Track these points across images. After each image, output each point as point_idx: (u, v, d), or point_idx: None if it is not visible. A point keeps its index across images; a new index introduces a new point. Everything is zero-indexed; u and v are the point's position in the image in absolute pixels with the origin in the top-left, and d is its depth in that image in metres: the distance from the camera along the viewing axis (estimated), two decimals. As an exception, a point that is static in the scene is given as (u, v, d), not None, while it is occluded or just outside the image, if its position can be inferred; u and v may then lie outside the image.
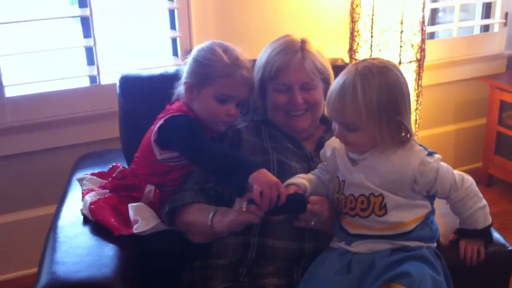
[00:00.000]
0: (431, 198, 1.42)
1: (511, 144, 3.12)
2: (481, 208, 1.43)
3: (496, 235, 1.55)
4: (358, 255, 1.40)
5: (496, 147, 3.17)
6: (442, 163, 1.38)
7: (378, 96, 1.31)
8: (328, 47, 1.83)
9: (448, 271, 1.41)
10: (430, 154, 1.38)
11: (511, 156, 3.12)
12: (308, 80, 1.63)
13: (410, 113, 1.37)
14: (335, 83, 1.37)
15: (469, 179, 1.41)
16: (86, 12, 2.24)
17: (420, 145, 1.40)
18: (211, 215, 1.48)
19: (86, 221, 1.58)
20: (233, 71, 1.59)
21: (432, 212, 1.44)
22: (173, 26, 2.47)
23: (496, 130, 3.13)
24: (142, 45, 2.55)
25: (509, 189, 3.20)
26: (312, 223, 1.43)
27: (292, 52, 1.64)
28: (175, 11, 2.42)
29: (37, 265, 1.46)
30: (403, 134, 1.35)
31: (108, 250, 1.45)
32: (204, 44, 1.66)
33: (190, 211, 1.56)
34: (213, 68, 1.59)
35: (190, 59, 1.66)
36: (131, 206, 1.56)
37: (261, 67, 1.68)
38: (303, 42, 1.68)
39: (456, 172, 1.41)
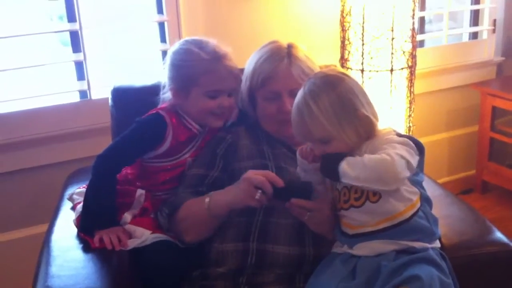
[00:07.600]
0: (415, 182, 1.39)
1: (505, 150, 3.12)
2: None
3: (499, 234, 1.54)
4: (362, 260, 1.37)
5: (490, 154, 3.17)
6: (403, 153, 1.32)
7: (330, 103, 1.36)
8: (319, 56, 1.80)
9: (454, 272, 1.38)
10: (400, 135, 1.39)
11: (505, 162, 3.11)
12: (296, 86, 1.58)
13: (370, 104, 1.41)
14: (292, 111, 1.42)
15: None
16: (75, 26, 2.22)
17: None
18: (207, 199, 1.48)
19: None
20: (215, 65, 1.57)
21: (426, 200, 1.40)
22: (163, 39, 2.45)
23: (489, 136, 3.13)
24: (132, 59, 2.52)
25: (504, 195, 3.19)
26: (306, 217, 1.41)
27: (279, 59, 1.62)
28: (165, 24, 2.41)
29: (29, 287, 1.41)
30: (367, 125, 1.38)
31: (105, 262, 1.42)
32: (177, 45, 1.64)
33: (186, 207, 1.54)
34: (194, 68, 1.57)
35: (167, 65, 1.64)
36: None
37: (248, 76, 1.66)
38: (290, 47, 1.66)
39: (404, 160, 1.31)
